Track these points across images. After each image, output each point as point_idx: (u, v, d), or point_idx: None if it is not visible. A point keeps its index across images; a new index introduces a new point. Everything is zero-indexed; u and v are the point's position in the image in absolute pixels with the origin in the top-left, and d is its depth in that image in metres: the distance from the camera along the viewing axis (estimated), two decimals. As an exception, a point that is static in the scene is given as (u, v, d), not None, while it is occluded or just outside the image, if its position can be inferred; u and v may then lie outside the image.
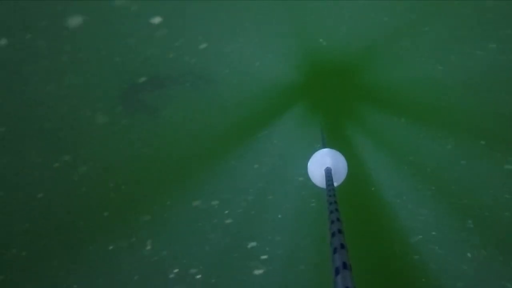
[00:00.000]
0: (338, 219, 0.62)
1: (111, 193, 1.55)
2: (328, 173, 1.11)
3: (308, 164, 1.24)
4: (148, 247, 1.61)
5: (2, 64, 1.27)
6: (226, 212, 1.71)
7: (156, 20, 1.35)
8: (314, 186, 1.24)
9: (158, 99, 1.54)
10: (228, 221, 1.71)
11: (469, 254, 1.72)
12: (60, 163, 1.45)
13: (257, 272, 1.70)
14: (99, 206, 1.55)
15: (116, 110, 1.48)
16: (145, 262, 1.60)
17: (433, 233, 1.77)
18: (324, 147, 1.29)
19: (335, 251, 0.50)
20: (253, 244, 1.71)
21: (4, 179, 1.41)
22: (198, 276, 1.64)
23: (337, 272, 0.44)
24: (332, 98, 1.88)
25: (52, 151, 1.44)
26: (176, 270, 1.63)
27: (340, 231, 0.56)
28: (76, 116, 1.43)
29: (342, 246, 0.50)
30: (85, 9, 1.26)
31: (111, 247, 1.57)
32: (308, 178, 1.26)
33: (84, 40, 1.31)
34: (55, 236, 1.51)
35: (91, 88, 1.42)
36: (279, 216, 1.76)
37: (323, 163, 1.20)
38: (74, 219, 1.53)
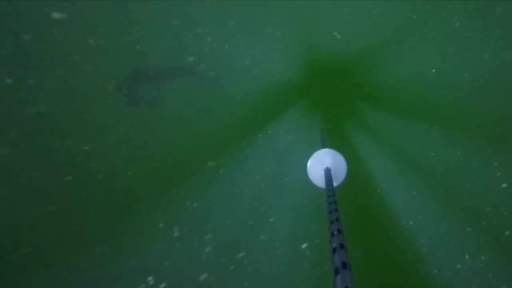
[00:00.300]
0: (337, 219, 0.62)
1: (128, 182, 1.55)
2: (328, 173, 1.11)
3: (308, 164, 1.24)
4: (176, 234, 1.62)
5: (54, 38, 1.28)
6: (230, 209, 1.72)
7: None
8: (314, 186, 1.24)
9: (161, 94, 1.55)
10: (231, 219, 1.73)
11: (470, 257, 1.72)
12: (89, 146, 1.46)
13: (269, 266, 1.72)
14: (120, 193, 1.55)
15: (123, 99, 1.49)
16: (173, 247, 1.62)
17: (435, 234, 1.77)
18: (324, 147, 1.29)
19: (334, 251, 0.49)
20: (264, 237, 1.73)
21: (39, 158, 1.41)
22: (232, 267, 1.66)
23: (336, 271, 0.44)
24: (332, 98, 1.88)
25: (83, 133, 1.44)
26: (203, 259, 1.64)
27: (339, 231, 0.56)
28: (102, 99, 1.43)
29: (342, 246, 0.50)
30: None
31: (138, 232, 1.58)
32: (308, 178, 1.26)
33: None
34: (84, 219, 1.51)
35: (113, 73, 1.42)
36: (280, 216, 1.77)
37: (323, 163, 1.21)
38: (102, 203, 1.53)
